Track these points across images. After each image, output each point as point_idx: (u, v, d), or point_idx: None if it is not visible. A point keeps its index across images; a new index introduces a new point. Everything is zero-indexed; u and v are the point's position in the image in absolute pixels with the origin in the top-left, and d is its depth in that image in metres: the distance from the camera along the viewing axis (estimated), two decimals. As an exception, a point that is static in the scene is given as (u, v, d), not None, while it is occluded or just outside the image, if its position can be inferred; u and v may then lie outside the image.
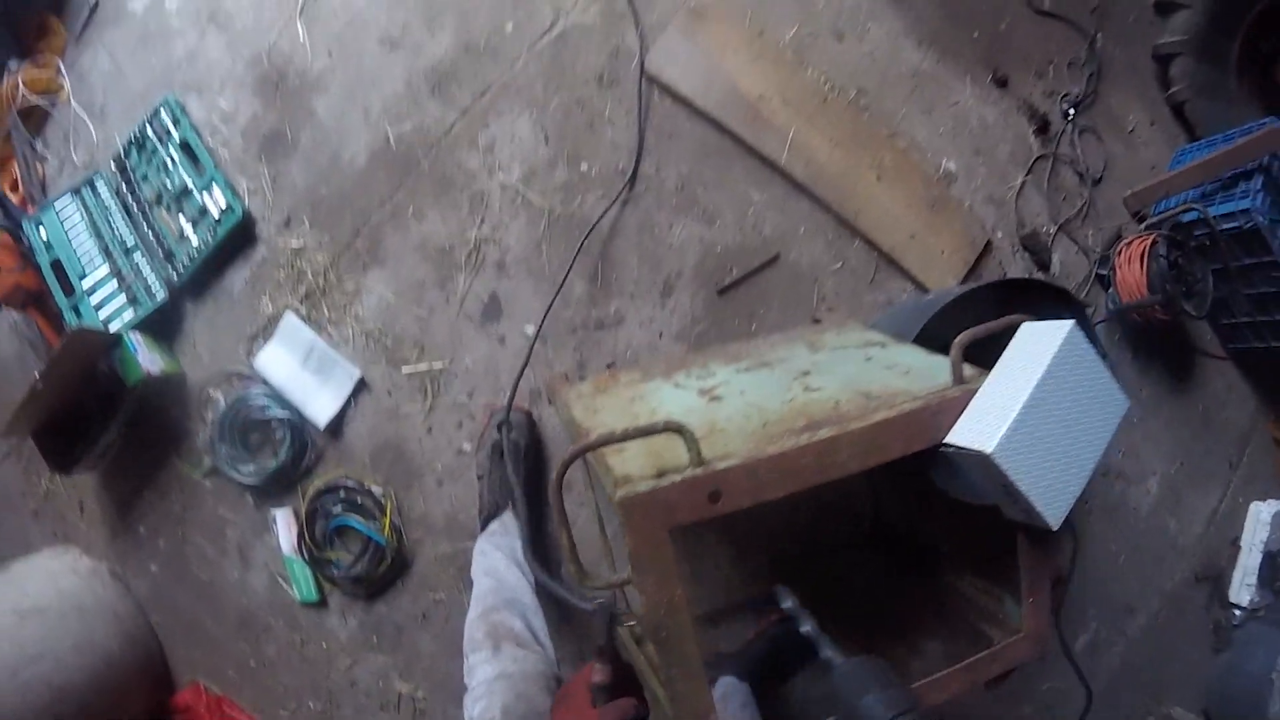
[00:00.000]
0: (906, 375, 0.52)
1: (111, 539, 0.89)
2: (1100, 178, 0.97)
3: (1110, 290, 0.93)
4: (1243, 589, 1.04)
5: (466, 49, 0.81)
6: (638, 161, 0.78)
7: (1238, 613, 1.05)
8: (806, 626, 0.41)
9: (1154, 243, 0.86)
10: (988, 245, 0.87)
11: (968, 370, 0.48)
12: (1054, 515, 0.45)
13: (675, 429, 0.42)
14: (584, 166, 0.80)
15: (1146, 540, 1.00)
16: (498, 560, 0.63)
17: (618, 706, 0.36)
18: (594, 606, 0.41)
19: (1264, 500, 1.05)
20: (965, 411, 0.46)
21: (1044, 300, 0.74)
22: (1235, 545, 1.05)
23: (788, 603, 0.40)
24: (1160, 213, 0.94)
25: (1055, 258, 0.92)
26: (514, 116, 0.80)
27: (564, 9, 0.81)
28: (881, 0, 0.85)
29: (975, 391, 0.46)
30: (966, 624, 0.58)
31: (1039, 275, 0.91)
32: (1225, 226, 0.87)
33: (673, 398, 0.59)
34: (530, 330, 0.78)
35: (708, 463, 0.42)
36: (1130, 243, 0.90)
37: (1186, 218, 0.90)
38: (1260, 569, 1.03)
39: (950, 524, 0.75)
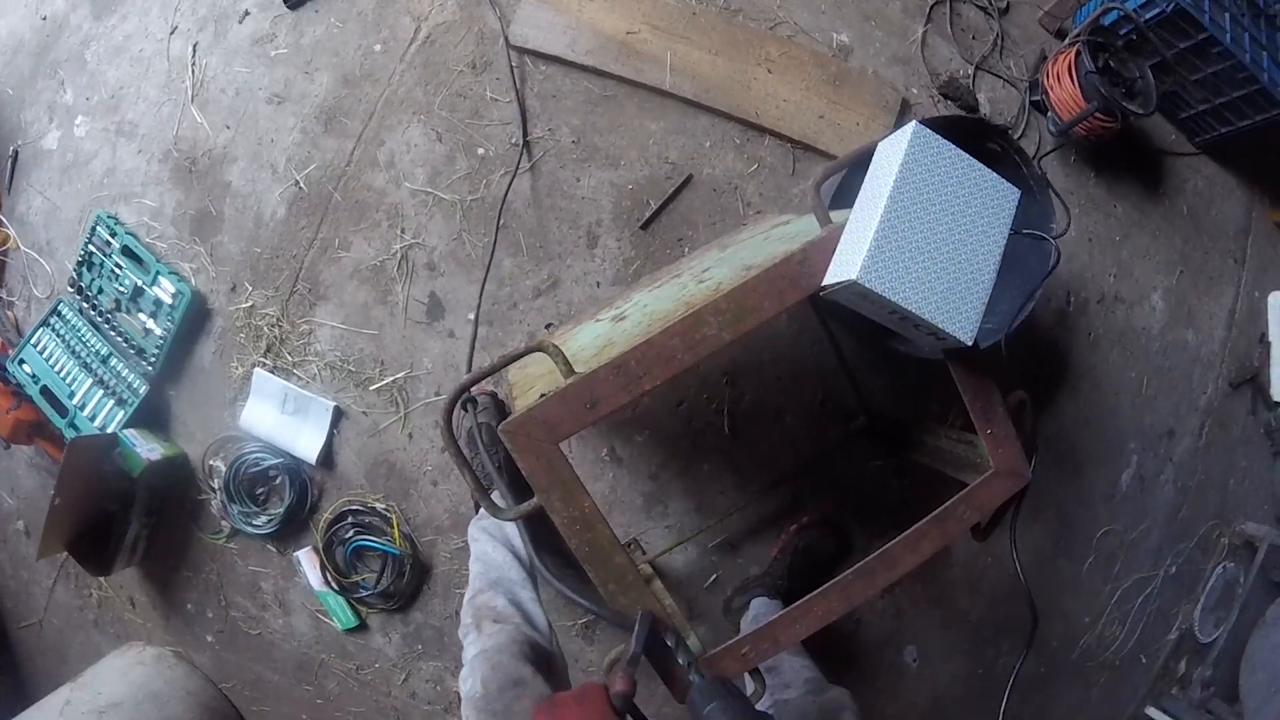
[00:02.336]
0: (793, 240, 0.52)
1: (166, 623, 0.99)
2: (1007, 6, 0.97)
3: (1050, 114, 0.94)
4: (1285, 384, 1.02)
5: (345, 80, 0.88)
6: (524, 130, 0.83)
7: None
8: (671, 640, 0.41)
9: (1077, 53, 0.87)
10: (905, 105, 0.89)
11: (834, 212, 0.48)
12: (962, 329, 0.44)
13: (536, 348, 0.44)
14: (481, 151, 0.85)
15: (1167, 359, 0.99)
16: (485, 544, 0.68)
17: None
18: (620, 618, 0.41)
19: None
20: (837, 249, 0.45)
21: (968, 137, 0.75)
22: (1264, 342, 1.03)
23: (639, 637, 0.39)
24: (1082, 22, 0.94)
25: (981, 98, 0.94)
26: (404, 127, 0.86)
27: (423, 14, 0.87)
28: (726, -99, 0.88)
29: (842, 229, 0.45)
30: (955, 483, 0.57)
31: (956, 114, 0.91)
32: (1149, 16, 0.87)
33: (588, 332, 0.62)
34: (473, 316, 0.84)
35: (580, 373, 0.43)
36: (1055, 60, 0.91)
37: (1107, 19, 0.90)
38: (1300, 359, 1.01)
39: (939, 391, 0.76)
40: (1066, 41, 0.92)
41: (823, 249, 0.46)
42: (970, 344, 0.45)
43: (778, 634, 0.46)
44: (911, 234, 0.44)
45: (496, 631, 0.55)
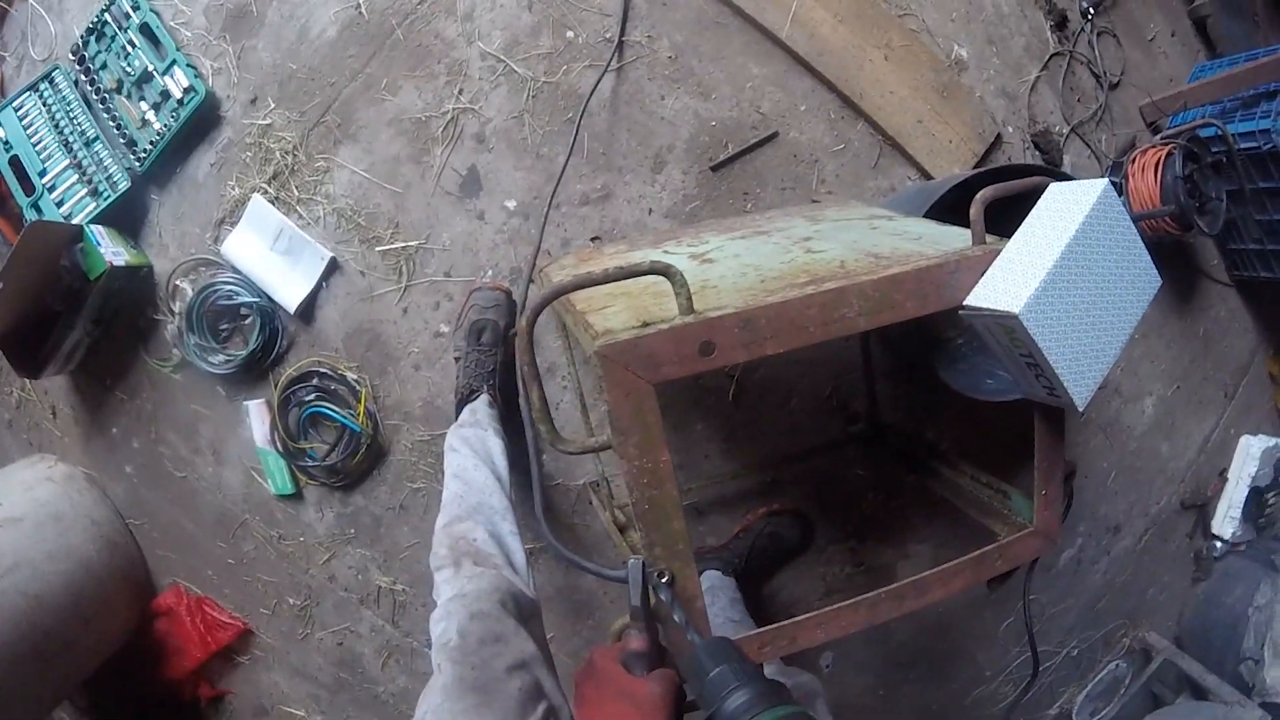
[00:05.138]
0: (918, 240, 0.48)
1: (85, 443, 0.84)
2: (1117, 82, 0.90)
3: (1122, 199, 0.88)
4: (1226, 521, 1.02)
5: (443, -92, 0.73)
6: (623, 28, 0.71)
7: (1219, 544, 1.03)
8: (665, 596, 0.36)
9: (1169, 153, 0.80)
10: (997, 139, 0.81)
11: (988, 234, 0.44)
12: (1080, 394, 0.41)
13: (662, 271, 0.37)
14: (570, 34, 0.72)
15: (1138, 461, 0.97)
16: (465, 460, 0.58)
17: (666, 676, 0.31)
18: (624, 573, 0.35)
19: (1255, 434, 1.02)
20: (987, 273, 0.42)
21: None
22: (1223, 477, 1.03)
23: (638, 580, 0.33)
24: (1176, 125, 0.88)
25: (1066, 159, 0.86)
26: (495, -19, 0.73)
27: None
28: None
29: (998, 253, 0.42)
30: (968, 522, 0.56)
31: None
32: (1243, 146, 0.82)
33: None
34: (511, 205, 0.73)
35: (699, 312, 0.37)
36: (1145, 151, 0.85)
37: (1204, 132, 0.84)
38: (1245, 503, 1.01)
39: (954, 420, 0.71)
40: (1159, 137, 0.86)
41: (973, 267, 0.42)
42: (1081, 410, 0.42)
43: (798, 634, 0.42)
44: (1073, 288, 0.40)
45: (477, 575, 0.47)
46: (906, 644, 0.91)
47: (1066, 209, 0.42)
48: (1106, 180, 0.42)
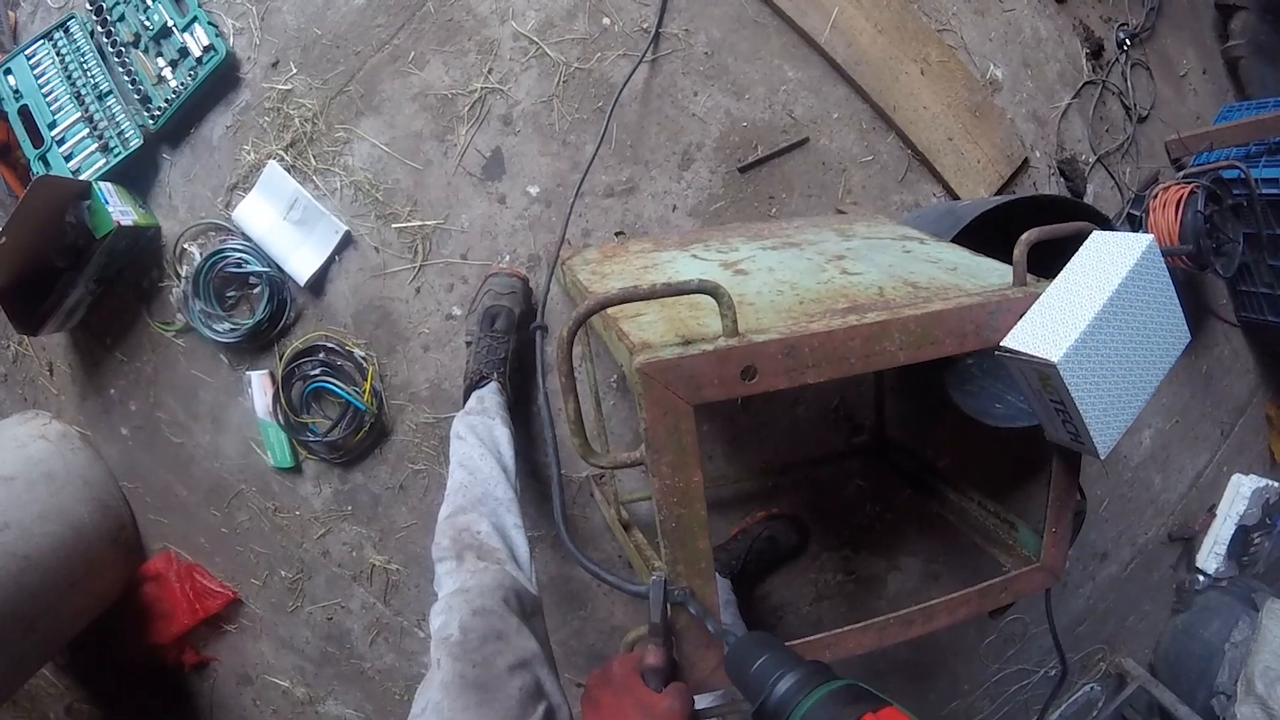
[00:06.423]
0: (954, 271, 0.47)
1: (82, 402, 0.82)
2: (1146, 116, 0.89)
3: (1140, 231, 0.87)
4: (1211, 556, 1.02)
5: (485, -121, 0.70)
6: (660, 20, 0.68)
7: (1202, 579, 1.04)
8: (695, 608, 0.36)
9: (1192, 192, 0.79)
10: (1024, 163, 0.80)
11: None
12: (1104, 442, 0.41)
13: (710, 291, 0.35)
14: (606, 21, 0.70)
15: (1131, 491, 0.97)
16: (472, 449, 0.57)
17: (682, 690, 0.31)
18: (645, 588, 0.35)
19: (1247, 474, 1.02)
20: (1025, 316, 0.41)
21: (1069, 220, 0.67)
22: (1211, 513, 1.03)
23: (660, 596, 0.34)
24: (1200, 164, 0.87)
25: (1090, 188, 0.85)
26: (533, -40, 0.70)
27: None
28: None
29: (1037, 296, 0.41)
30: (959, 540, 0.56)
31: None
32: (1265, 191, 0.82)
33: (692, 268, 0.52)
34: (534, 191, 0.70)
35: (743, 334, 0.36)
36: (1168, 187, 0.84)
37: (1228, 174, 0.83)
38: (1231, 540, 1.01)
39: (956, 439, 0.70)
40: (1181, 175, 0.85)
41: (1013, 309, 0.41)
42: (1102, 458, 0.42)
43: (806, 654, 0.41)
44: (1110, 340, 0.40)
45: (480, 570, 0.46)
46: (887, 652, 0.89)
47: (1110, 260, 0.41)
48: (1151, 237, 0.41)
